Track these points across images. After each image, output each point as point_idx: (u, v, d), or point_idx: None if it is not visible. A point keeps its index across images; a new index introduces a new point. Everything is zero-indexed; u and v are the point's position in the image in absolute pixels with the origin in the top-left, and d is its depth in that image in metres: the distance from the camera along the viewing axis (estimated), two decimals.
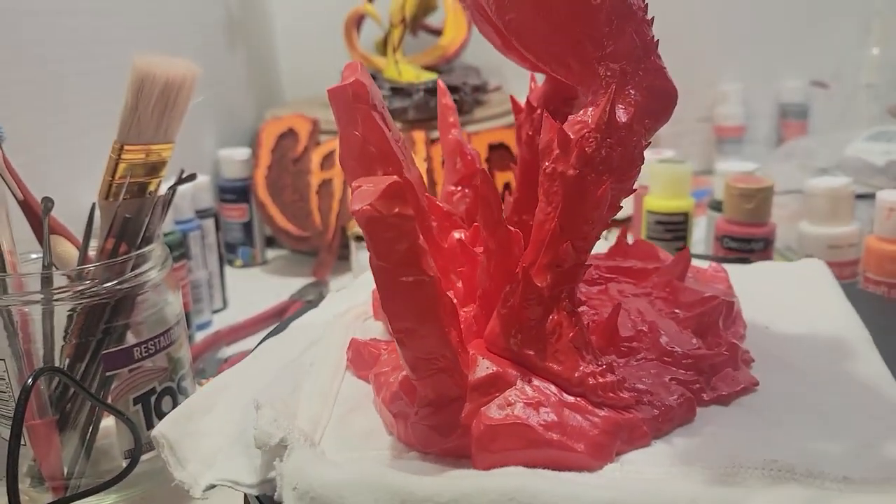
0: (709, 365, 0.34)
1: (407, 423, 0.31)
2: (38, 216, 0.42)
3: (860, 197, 0.78)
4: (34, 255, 0.45)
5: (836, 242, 0.54)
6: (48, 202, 0.40)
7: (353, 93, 0.34)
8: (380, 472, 0.28)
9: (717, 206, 0.65)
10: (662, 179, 0.64)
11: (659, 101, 0.31)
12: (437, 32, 0.92)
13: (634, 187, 0.32)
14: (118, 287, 0.41)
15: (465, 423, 0.30)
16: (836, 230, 0.54)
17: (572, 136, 0.30)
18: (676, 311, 0.36)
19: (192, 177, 0.44)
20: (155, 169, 0.43)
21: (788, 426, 0.32)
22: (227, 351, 0.63)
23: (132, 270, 0.41)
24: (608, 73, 0.31)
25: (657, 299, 0.37)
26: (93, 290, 0.40)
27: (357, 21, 0.88)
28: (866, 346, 0.39)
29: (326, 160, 0.79)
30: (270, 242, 0.86)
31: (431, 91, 0.80)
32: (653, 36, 0.31)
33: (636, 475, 0.29)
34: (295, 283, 0.75)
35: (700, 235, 0.73)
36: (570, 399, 0.31)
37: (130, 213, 0.41)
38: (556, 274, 0.31)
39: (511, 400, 0.30)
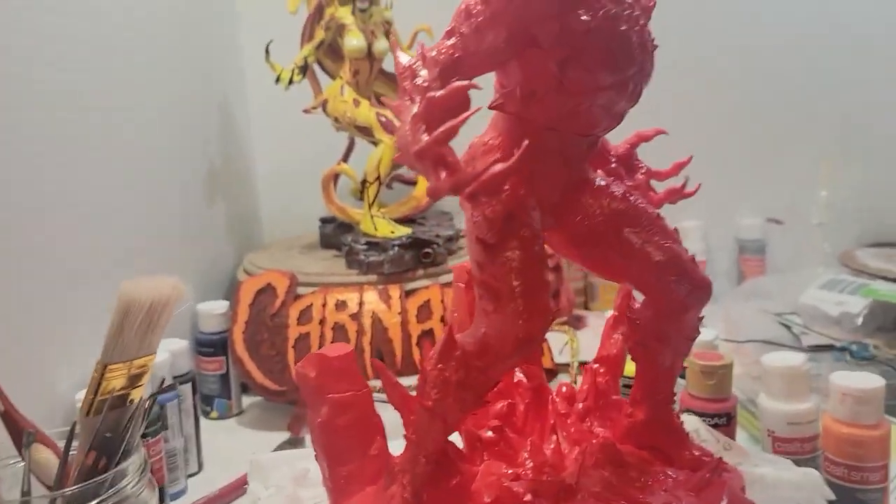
0: None
1: None
2: (19, 427, 0.43)
3: (818, 349, 0.81)
4: (12, 461, 0.45)
5: (795, 419, 0.56)
6: (30, 435, 0.41)
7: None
8: None
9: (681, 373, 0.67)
10: None
11: (500, 343, 0.38)
12: (412, 183, 0.96)
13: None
14: None
15: None
16: (794, 407, 0.56)
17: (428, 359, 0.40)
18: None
19: (172, 387, 0.45)
20: (137, 378, 0.45)
21: None
22: None
23: (111, 487, 0.42)
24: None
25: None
26: None
27: (333, 178, 0.92)
28: None
29: (304, 314, 0.81)
30: (246, 388, 0.87)
31: (405, 246, 0.84)
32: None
33: None
34: (270, 438, 0.76)
35: None
36: None
37: (111, 429, 0.42)
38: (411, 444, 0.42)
39: None
